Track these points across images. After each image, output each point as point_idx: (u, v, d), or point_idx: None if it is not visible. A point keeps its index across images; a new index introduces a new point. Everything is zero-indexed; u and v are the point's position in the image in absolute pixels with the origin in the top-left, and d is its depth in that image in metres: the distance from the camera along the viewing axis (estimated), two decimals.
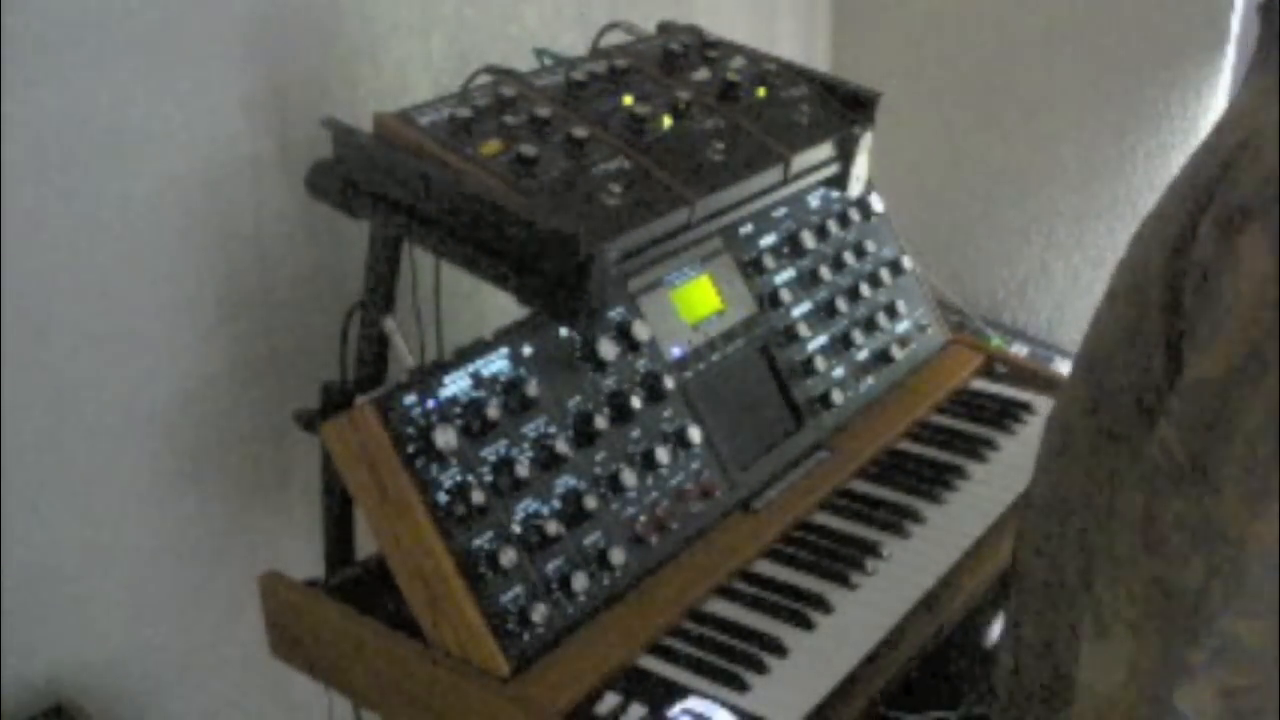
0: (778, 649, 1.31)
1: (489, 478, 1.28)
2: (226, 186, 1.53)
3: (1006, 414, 1.75)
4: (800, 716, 1.23)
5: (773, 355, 1.61)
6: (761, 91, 1.63)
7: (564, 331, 1.39)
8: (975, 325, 2.30)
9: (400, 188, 1.34)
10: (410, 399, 1.26)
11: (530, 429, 1.32)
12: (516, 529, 1.28)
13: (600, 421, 1.37)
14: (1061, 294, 2.42)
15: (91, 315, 1.44)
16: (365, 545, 1.45)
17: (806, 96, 1.66)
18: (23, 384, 1.38)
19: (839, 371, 1.68)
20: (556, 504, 1.32)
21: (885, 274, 1.80)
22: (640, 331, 1.45)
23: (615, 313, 1.44)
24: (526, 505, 1.30)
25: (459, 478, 1.26)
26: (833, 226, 1.75)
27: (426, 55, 1.72)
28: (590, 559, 1.33)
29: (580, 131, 1.40)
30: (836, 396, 1.65)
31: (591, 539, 1.33)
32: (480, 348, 1.33)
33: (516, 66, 1.55)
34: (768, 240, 1.66)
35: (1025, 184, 2.40)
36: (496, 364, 1.33)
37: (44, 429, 1.42)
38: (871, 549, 1.46)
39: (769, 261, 1.65)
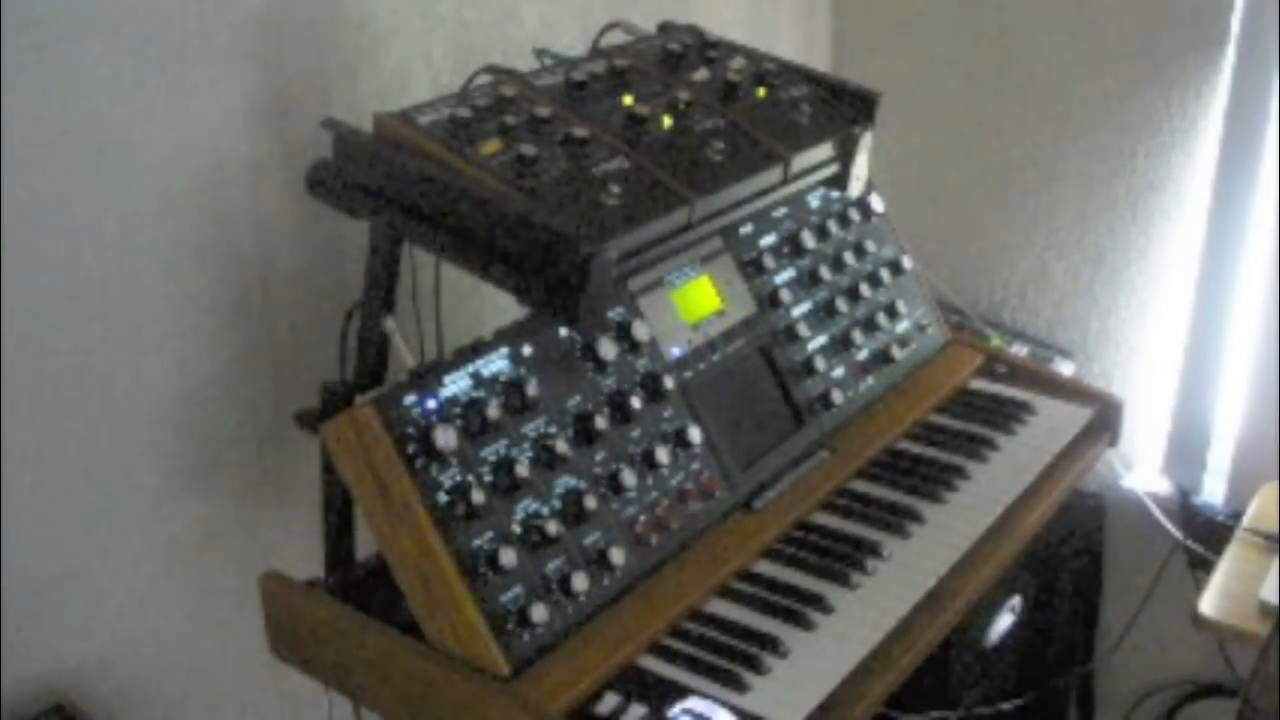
0: (778, 649, 1.31)
1: (489, 478, 1.28)
2: (226, 187, 1.53)
3: (1006, 414, 1.75)
4: (800, 716, 1.23)
5: (773, 355, 1.61)
6: (761, 91, 1.63)
7: (564, 331, 1.39)
8: (975, 325, 2.30)
9: (400, 188, 1.34)
10: (410, 399, 1.26)
11: (530, 429, 1.32)
12: (516, 529, 1.28)
13: (600, 421, 1.37)
14: (1061, 294, 2.42)
15: (91, 315, 1.43)
16: (365, 545, 1.45)
17: (806, 96, 1.66)
18: (23, 384, 1.38)
19: (839, 371, 1.68)
20: (556, 504, 1.32)
21: (885, 274, 1.80)
22: (640, 331, 1.45)
23: (615, 313, 1.44)
24: (526, 505, 1.30)
25: (459, 478, 1.26)
26: (833, 226, 1.75)
27: (426, 55, 1.72)
28: (590, 559, 1.33)
29: (580, 131, 1.40)
30: (836, 396, 1.65)
31: (591, 539, 1.33)
32: (480, 348, 1.33)
33: (516, 66, 1.55)
34: (768, 240, 1.66)
35: (1025, 184, 2.39)
36: (496, 364, 1.33)
37: (44, 429, 1.42)
38: (872, 549, 1.46)
39: (769, 261, 1.64)
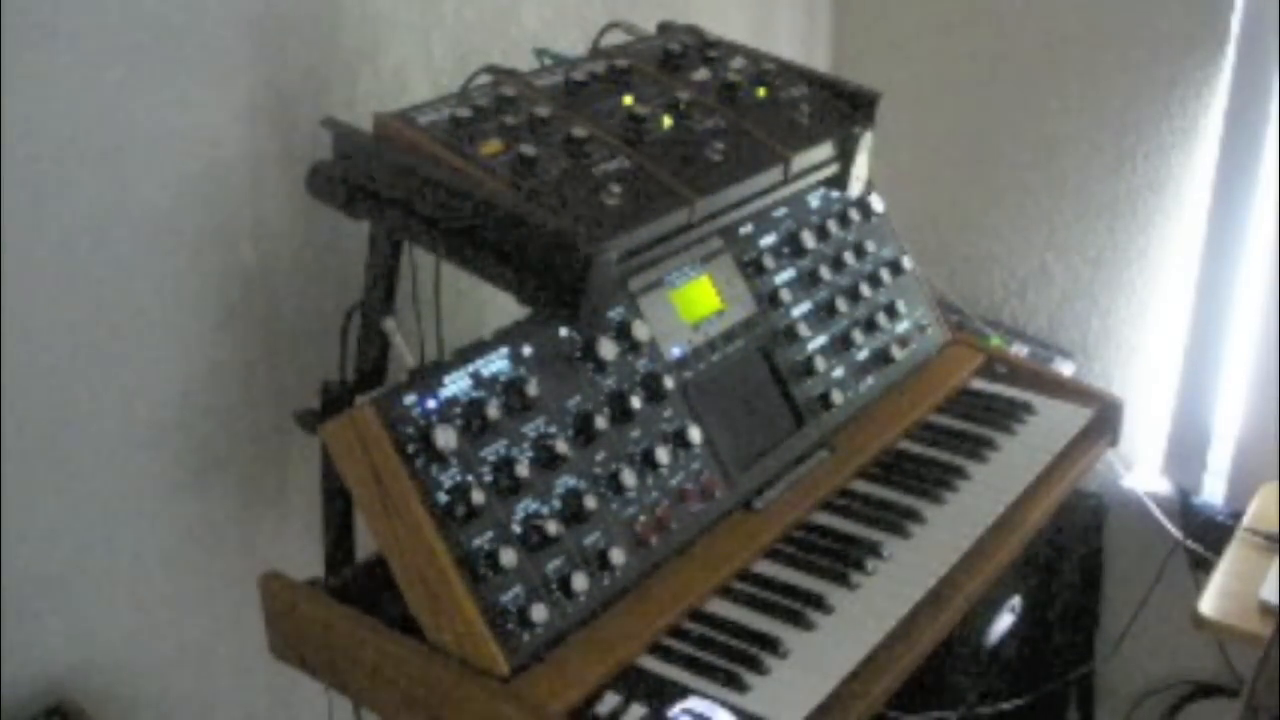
0: (778, 649, 1.31)
1: (489, 478, 1.28)
2: (226, 186, 1.53)
3: (1006, 414, 1.75)
4: (800, 717, 1.23)
5: (773, 355, 1.61)
6: (761, 91, 1.63)
7: (564, 331, 1.39)
8: (975, 325, 2.30)
9: (400, 188, 1.34)
10: (410, 399, 1.26)
11: (530, 429, 1.32)
12: (516, 529, 1.28)
13: (600, 421, 1.37)
14: (1061, 294, 2.42)
15: (91, 316, 1.43)
16: (365, 545, 1.45)
17: (806, 96, 1.66)
18: (23, 384, 1.38)
19: (839, 371, 1.68)
20: (556, 504, 1.32)
21: (885, 274, 1.80)
22: (640, 331, 1.45)
23: (615, 313, 1.44)
24: (526, 505, 1.29)
25: (459, 478, 1.26)
26: (833, 226, 1.75)
27: (426, 55, 1.72)
28: (590, 559, 1.33)
29: (580, 131, 1.40)
30: (836, 396, 1.65)
31: (591, 539, 1.33)
32: (480, 348, 1.33)
33: (516, 66, 1.55)
34: (768, 240, 1.66)
35: (1025, 184, 2.40)
36: (496, 364, 1.33)
37: (44, 429, 1.42)
38: (872, 549, 1.46)
39: (769, 261, 1.64)
